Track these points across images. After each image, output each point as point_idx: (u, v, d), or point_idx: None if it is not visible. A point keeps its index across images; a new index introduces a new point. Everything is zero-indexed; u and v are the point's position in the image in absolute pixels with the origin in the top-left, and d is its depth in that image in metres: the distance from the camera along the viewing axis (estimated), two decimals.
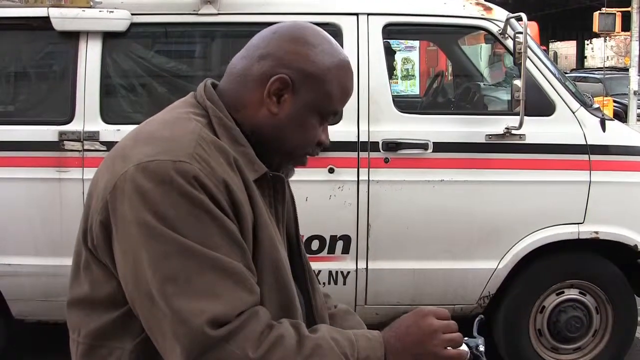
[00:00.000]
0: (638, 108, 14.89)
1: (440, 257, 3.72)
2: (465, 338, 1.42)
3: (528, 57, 3.56)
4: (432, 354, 1.31)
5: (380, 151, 3.65)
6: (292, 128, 1.37)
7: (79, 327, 1.36)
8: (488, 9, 3.82)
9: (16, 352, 4.09)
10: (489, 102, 4.29)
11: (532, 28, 8.65)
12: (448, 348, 1.32)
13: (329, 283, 3.68)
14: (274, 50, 1.36)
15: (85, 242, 1.32)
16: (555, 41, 38.37)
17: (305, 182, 3.37)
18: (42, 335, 4.17)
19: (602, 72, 19.26)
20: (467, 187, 3.68)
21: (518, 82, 3.57)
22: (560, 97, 3.72)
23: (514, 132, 3.62)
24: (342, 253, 3.68)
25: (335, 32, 3.59)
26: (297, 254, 1.53)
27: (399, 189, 3.66)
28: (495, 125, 3.67)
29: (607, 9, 16.34)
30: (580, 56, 37.82)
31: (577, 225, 3.72)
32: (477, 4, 3.84)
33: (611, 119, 4.11)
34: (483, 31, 3.92)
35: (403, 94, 12.27)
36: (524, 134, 3.65)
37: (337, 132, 3.44)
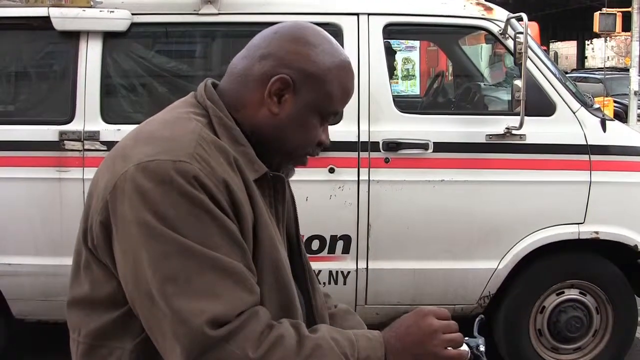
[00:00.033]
0: (638, 108, 14.89)
1: (440, 257, 3.72)
2: (466, 338, 1.42)
3: (528, 57, 3.56)
4: (432, 354, 1.31)
5: (380, 151, 3.64)
6: (292, 128, 1.37)
7: (79, 326, 1.36)
8: (488, 9, 3.82)
9: (16, 352, 4.09)
10: (489, 102, 4.29)
11: (533, 28, 8.66)
12: (448, 348, 1.32)
13: (329, 283, 3.68)
14: (275, 50, 1.35)
15: (86, 242, 1.32)
16: (555, 41, 38.35)
17: (306, 182, 3.37)
18: (42, 334, 4.17)
19: (603, 72, 19.28)
20: (467, 187, 3.68)
21: (518, 82, 3.57)
22: (561, 97, 3.72)
23: (514, 132, 3.61)
24: (342, 253, 3.68)
25: (336, 32, 3.58)
26: (297, 253, 1.53)
27: (400, 189, 3.65)
28: (496, 125, 3.67)
29: (608, 9, 16.32)
30: (581, 56, 37.78)
31: (577, 225, 3.72)
32: (478, 4, 3.84)
33: (611, 119, 4.11)
34: (483, 31, 3.92)
35: (403, 94, 12.27)
36: (525, 134, 3.64)
37: (338, 132, 3.44)
